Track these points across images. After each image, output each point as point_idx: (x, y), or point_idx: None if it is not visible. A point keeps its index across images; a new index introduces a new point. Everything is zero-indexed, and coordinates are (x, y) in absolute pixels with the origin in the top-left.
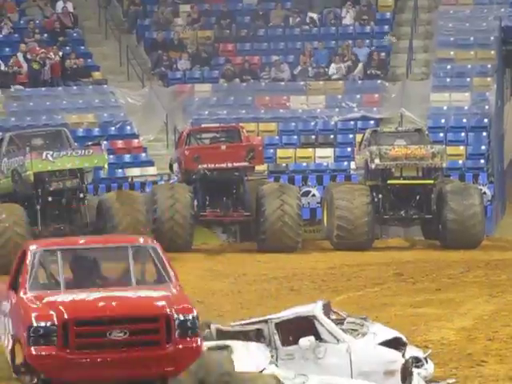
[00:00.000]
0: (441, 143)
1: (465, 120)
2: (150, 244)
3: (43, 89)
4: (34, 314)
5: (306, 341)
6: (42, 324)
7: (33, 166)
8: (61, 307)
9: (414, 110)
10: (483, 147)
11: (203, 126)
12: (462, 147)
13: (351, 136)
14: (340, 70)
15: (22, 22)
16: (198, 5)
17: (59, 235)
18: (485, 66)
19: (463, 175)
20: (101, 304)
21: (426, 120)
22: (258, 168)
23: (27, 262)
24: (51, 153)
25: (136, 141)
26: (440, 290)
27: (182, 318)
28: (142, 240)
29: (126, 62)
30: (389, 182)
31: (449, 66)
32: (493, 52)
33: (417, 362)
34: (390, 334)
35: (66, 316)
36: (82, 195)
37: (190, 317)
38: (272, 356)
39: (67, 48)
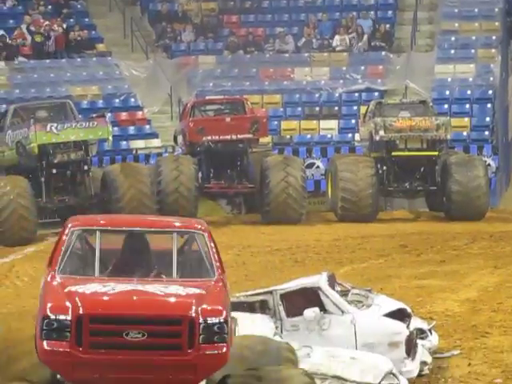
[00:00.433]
0: (445, 115)
1: (469, 92)
2: (197, 231)
3: (47, 61)
4: (49, 305)
5: (311, 312)
6: (57, 317)
7: (37, 138)
8: (78, 300)
9: (418, 82)
10: (488, 119)
11: (207, 97)
12: (466, 119)
13: (355, 108)
14: (344, 42)
15: None
16: None
17: (63, 207)
18: (489, 37)
19: (468, 147)
20: (121, 300)
21: (431, 92)
22: (263, 140)
23: (62, 240)
24: (55, 125)
25: (140, 113)
26: (444, 261)
27: (208, 321)
28: (189, 225)
29: (130, 34)
30: (393, 153)
31: (453, 38)
32: (497, 23)
33: (421, 333)
34: (395, 305)
35: (80, 311)
36: (86, 167)
37: (218, 320)
38: (276, 327)
39: (71, 20)
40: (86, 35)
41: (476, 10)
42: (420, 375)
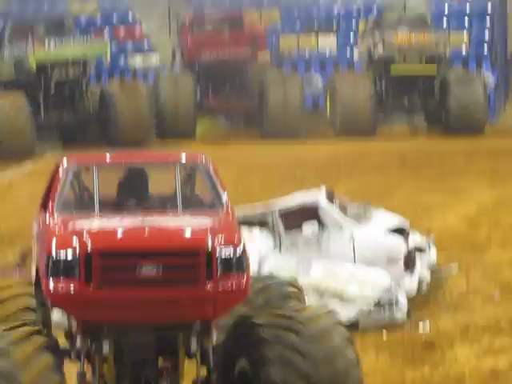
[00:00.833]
0: (444, 30)
1: (468, 6)
2: (200, 162)
3: None
4: (54, 242)
5: (310, 226)
6: (63, 254)
7: (35, 56)
8: (86, 235)
9: None
10: (486, 34)
11: (206, 13)
12: (465, 33)
13: (354, 23)
14: None
15: None
16: None
17: (62, 124)
18: None
19: (466, 62)
20: (132, 233)
21: (429, 6)
22: (261, 56)
23: (58, 178)
24: (53, 41)
25: (138, 27)
26: (443, 178)
27: (226, 252)
28: (191, 157)
29: None
30: (392, 69)
31: None
32: None
33: (420, 251)
34: (394, 220)
35: (89, 246)
36: (84, 84)
37: (236, 251)
38: (275, 242)
39: None
40: None
41: None
42: (419, 293)
